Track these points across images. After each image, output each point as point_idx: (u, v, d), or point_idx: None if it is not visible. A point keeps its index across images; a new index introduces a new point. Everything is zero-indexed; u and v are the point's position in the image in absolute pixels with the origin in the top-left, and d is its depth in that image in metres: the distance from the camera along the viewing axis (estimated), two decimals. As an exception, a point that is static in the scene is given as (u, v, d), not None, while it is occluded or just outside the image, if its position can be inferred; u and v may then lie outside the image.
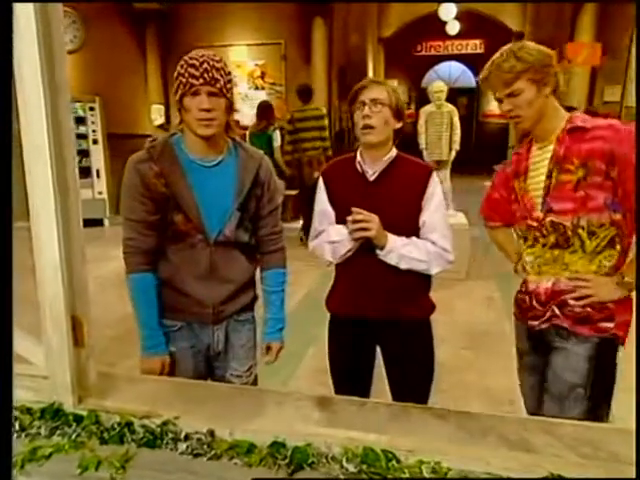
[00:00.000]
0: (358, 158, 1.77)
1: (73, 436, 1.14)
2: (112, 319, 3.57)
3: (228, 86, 1.53)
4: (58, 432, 1.15)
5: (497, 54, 1.59)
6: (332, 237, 1.77)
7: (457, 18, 11.14)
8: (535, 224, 1.66)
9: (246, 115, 8.52)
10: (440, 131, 6.12)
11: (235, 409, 1.23)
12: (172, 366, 1.68)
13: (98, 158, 7.51)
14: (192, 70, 1.47)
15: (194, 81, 1.46)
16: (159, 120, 9.40)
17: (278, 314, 1.81)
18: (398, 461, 1.03)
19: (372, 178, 1.73)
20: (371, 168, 1.74)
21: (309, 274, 4.78)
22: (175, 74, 1.50)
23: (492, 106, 14.11)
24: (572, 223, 1.58)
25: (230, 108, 1.56)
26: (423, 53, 13.55)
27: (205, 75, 1.46)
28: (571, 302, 1.63)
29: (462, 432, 1.17)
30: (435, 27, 11.66)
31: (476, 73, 14.16)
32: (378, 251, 1.71)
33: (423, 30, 11.97)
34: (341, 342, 1.89)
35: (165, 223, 1.59)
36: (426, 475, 0.99)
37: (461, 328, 3.91)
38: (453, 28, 11.65)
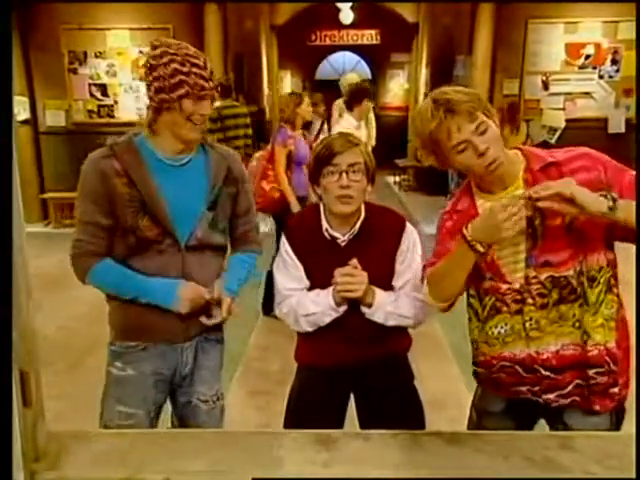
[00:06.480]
0: (325, 225, 1.70)
1: (33, 522, 0.96)
2: None
3: None
4: (12, 521, 0.97)
5: (429, 102, 1.36)
6: (310, 309, 1.67)
7: (352, 7, 11.41)
8: (519, 286, 1.42)
9: (129, 109, 8.02)
10: (356, 126, 6.16)
11: (234, 459, 1.12)
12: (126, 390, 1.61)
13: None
14: (199, 71, 1.42)
15: (205, 84, 1.43)
16: (23, 115, 8.60)
17: (239, 273, 1.75)
18: (437, 500, 0.98)
19: (344, 244, 1.69)
20: (342, 234, 1.69)
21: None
22: (168, 71, 1.41)
23: (389, 98, 14.56)
24: (575, 271, 1.38)
25: None
26: (318, 43, 13.63)
27: (212, 78, 1.45)
28: (590, 373, 1.40)
29: (483, 456, 1.15)
30: (329, 16, 11.84)
31: (372, 64, 14.55)
32: (364, 309, 1.65)
33: (317, 19, 12.08)
34: (313, 392, 1.79)
35: (126, 230, 1.51)
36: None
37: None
38: (347, 17, 11.91)
